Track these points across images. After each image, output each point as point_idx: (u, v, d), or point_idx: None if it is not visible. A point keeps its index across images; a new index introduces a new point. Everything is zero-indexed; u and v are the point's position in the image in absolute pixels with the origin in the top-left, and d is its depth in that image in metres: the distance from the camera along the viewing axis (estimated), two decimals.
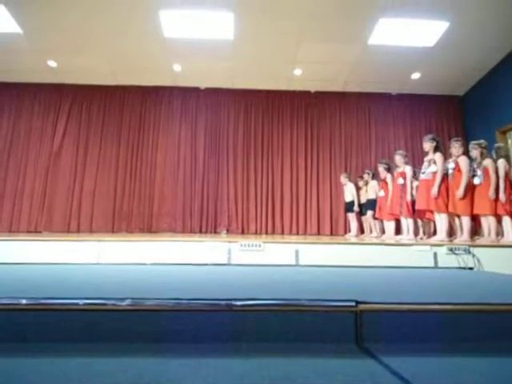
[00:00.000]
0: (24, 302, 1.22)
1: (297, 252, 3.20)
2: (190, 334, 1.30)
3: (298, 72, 7.04)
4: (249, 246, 3.13)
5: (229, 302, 1.34)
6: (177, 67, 6.92)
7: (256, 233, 6.95)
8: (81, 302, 1.20)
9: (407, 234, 5.02)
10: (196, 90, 7.69)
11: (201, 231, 7.11)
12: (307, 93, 7.77)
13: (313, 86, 7.63)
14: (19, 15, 5.45)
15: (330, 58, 6.54)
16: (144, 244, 3.28)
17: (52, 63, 6.81)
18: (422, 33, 5.67)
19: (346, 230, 7.15)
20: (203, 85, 7.64)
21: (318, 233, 7.08)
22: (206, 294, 1.43)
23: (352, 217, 6.73)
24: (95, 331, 1.24)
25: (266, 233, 7.06)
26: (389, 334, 1.34)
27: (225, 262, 3.09)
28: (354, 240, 4.23)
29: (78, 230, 6.97)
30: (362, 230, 6.81)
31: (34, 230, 6.90)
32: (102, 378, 0.97)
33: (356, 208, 6.61)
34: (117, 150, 7.44)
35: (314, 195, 7.34)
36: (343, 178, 6.96)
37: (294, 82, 7.40)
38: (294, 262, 3.18)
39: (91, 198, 7.17)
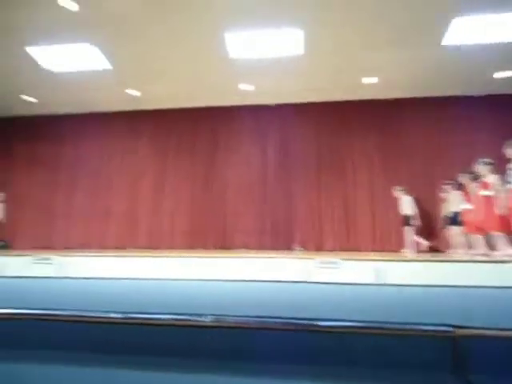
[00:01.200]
0: (118, 316, 1.29)
1: (377, 270, 3.01)
2: (270, 353, 1.27)
3: (370, 81, 6.82)
4: (326, 263, 3.03)
5: (311, 322, 1.28)
6: (246, 86, 7.13)
7: (332, 250, 6.74)
8: (165, 317, 1.24)
9: (502, 250, 4.49)
10: (266, 107, 7.82)
11: (274, 248, 7.09)
12: (380, 101, 7.46)
13: (386, 94, 7.32)
14: (109, 53, 6.13)
15: (403, 64, 6.24)
16: (220, 260, 3.35)
17: (135, 92, 7.49)
18: (504, 28, 5.16)
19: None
20: (273, 101, 7.76)
21: (399, 250, 6.63)
22: (286, 312, 1.39)
23: (408, 231, 6.34)
24: (179, 347, 1.26)
25: (343, 250, 6.80)
26: (494, 365, 1.17)
27: (301, 279, 3.02)
28: (439, 257, 3.88)
29: (159, 247, 7.40)
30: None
31: (121, 246, 7.49)
32: None
33: (415, 222, 6.25)
34: (191, 169, 7.83)
35: (392, 209, 6.93)
36: (397, 192, 6.63)
37: (366, 91, 7.17)
38: (374, 281, 2.99)
39: (170, 216, 7.60)
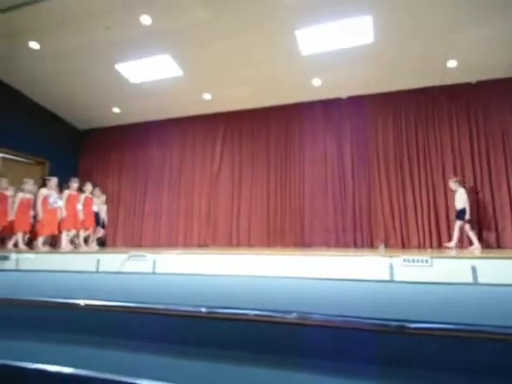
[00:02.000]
0: (203, 310, 1.35)
1: (474, 268, 2.73)
2: (355, 354, 1.22)
3: (452, 64, 6.22)
4: (413, 261, 2.83)
5: (400, 323, 1.20)
6: (316, 81, 7.01)
7: (419, 247, 6.29)
8: (251, 312, 1.26)
9: None
10: (338, 100, 7.60)
11: (355, 245, 6.86)
12: (466, 85, 6.74)
13: (472, 77, 6.61)
14: (180, 60, 6.49)
15: (491, 42, 5.58)
16: (298, 258, 3.33)
17: (207, 96, 7.81)
18: None
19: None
20: (345, 94, 7.51)
21: (498, 245, 5.96)
22: (371, 312, 1.32)
23: (458, 226, 5.82)
24: (264, 343, 1.28)
25: (431, 247, 6.32)
26: None
27: (386, 278, 2.86)
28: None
29: (238, 244, 7.64)
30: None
31: (203, 244, 7.88)
32: None
33: (467, 216, 5.72)
34: (267, 167, 7.92)
35: (487, 202, 6.25)
36: (452, 184, 6.07)
37: (448, 75, 6.55)
38: (470, 280, 2.72)
39: (247, 215, 7.78)
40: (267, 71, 6.71)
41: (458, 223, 5.90)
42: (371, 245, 6.77)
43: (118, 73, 6.86)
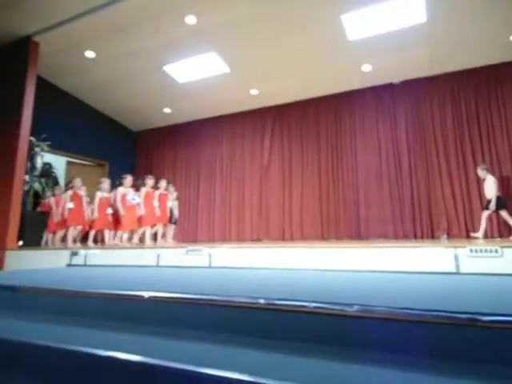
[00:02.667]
0: (262, 301, 1.35)
1: None
2: (419, 349, 1.16)
3: None
4: (481, 251, 2.63)
5: (471, 315, 1.12)
6: (366, 67, 6.74)
7: (486, 237, 5.83)
8: (310, 304, 1.25)
9: None
10: (390, 86, 7.27)
11: (415, 236, 6.53)
12: None
13: None
14: (226, 57, 6.56)
15: None
16: (355, 250, 3.25)
17: (254, 91, 7.82)
18: None
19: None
20: (397, 79, 7.15)
21: None
22: (437, 305, 1.25)
23: (486, 215, 5.44)
24: (323, 334, 1.26)
25: (500, 236, 5.84)
26: None
27: (452, 269, 2.70)
28: None
29: (291, 238, 7.60)
30: None
31: (256, 238, 7.95)
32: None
33: (492, 206, 5.32)
34: (317, 159, 7.79)
35: None
36: (480, 171, 5.63)
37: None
38: None
39: (299, 207, 7.71)
40: (314, 61, 6.56)
41: (486, 213, 5.51)
42: (432, 236, 6.42)
43: (166, 74, 7.09)
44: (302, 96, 7.97)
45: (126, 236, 6.15)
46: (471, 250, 2.66)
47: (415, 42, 5.87)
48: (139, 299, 1.57)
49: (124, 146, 9.76)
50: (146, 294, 1.56)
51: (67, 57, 6.57)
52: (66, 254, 4.58)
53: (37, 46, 6.03)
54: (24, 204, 5.70)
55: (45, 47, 6.07)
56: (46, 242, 6.34)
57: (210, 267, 3.67)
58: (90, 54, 6.49)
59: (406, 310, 1.14)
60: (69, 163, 8.46)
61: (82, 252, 4.52)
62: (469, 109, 6.61)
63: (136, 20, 5.58)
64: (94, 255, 4.49)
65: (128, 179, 6.36)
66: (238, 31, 5.86)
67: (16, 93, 5.80)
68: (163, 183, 6.81)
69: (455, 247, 2.76)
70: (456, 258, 2.70)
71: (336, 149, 7.67)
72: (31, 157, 5.99)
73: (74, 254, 4.53)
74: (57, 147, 7.03)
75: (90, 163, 8.86)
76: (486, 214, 5.54)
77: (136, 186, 6.50)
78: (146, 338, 1.39)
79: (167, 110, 8.88)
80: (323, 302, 1.24)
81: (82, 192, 6.36)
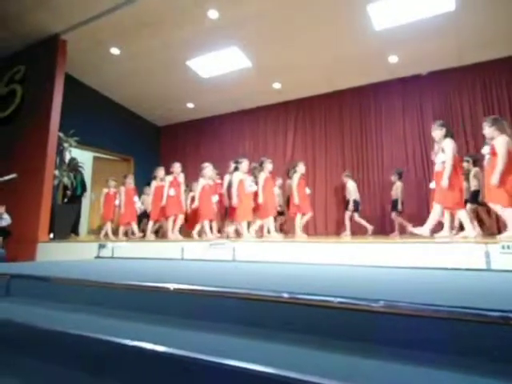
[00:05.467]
0: (285, 295, 1.35)
1: None
2: (447, 346, 1.13)
3: None
4: None
5: (504, 313, 1.08)
6: (393, 59, 6.56)
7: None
8: (335, 300, 1.24)
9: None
10: (417, 77, 7.05)
11: None
12: None
13: None
14: (248, 51, 6.55)
15: None
16: (379, 246, 3.19)
17: (277, 85, 7.77)
18: None
19: None
20: (425, 70, 6.93)
21: None
22: (466, 302, 1.21)
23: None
24: (347, 330, 1.24)
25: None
26: None
27: (482, 266, 2.60)
28: None
29: (315, 233, 7.53)
30: None
31: (280, 233, 7.89)
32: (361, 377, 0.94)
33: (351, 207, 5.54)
34: (341, 153, 7.67)
35: None
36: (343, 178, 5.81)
37: None
38: None
39: (323, 203, 7.63)
40: (339, 52, 6.44)
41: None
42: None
43: (189, 69, 7.14)
44: (326, 89, 7.86)
45: (252, 227, 5.33)
46: (503, 247, 2.56)
47: (443, 32, 5.66)
48: (165, 291, 1.60)
49: (149, 141, 9.92)
50: (172, 286, 1.59)
51: (93, 54, 6.72)
52: (94, 246, 4.72)
53: (65, 44, 6.19)
54: (54, 198, 5.89)
55: (72, 45, 6.22)
56: (126, 234, 6.30)
57: (233, 261, 3.70)
58: (114, 50, 6.61)
59: (433, 307, 1.12)
60: (95, 158, 8.69)
61: (110, 245, 4.65)
62: (501, 100, 6.33)
63: (159, 15, 5.63)
64: (121, 248, 4.60)
65: (245, 163, 5.53)
66: (260, 25, 5.82)
67: (46, 90, 5.99)
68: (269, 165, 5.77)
69: (486, 243, 2.67)
70: (487, 255, 2.60)
71: (361, 144, 7.52)
72: (60, 152, 6.18)
73: (102, 246, 4.66)
74: (84, 142, 7.22)
75: (115, 158, 9.07)
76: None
77: (251, 172, 5.76)
78: (171, 329, 1.41)
79: (190, 105, 8.96)
80: (348, 297, 1.22)
81: (181, 179, 5.96)
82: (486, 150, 3.84)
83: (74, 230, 6.69)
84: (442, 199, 3.88)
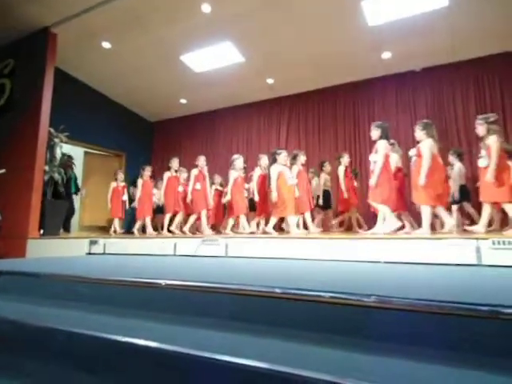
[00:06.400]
0: (278, 291, 1.35)
1: None
2: (437, 340, 1.14)
3: None
4: (504, 243, 2.56)
5: (493, 308, 1.09)
6: (386, 54, 6.57)
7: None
8: (326, 294, 1.24)
9: None
10: (411, 73, 7.06)
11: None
12: None
13: None
14: (241, 47, 6.50)
15: None
16: (370, 241, 3.21)
17: (270, 80, 7.75)
18: None
19: None
20: (419, 66, 6.95)
21: None
22: (457, 297, 1.22)
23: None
24: (339, 324, 1.25)
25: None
26: None
27: (473, 262, 2.64)
28: None
29: (306, 229, 7.51)
30: None
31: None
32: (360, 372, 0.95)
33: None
34: (335, 148, 7.65)
35: None
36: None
37: None
38: None
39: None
40: (332, 48, 6.41)
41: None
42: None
43: (183, 64, 7.08)
44: (320, 85, 7.85)
45: (292, 221, 4.85)
46: (494, 243, 2.59)
47: (436, 28, 5.67)
48: (157, 287, 1.60)
49: (141, 137, 9.84)
50: (163, 282, 1.58)
51: (84, 48, 6.62)
52: (85, 242, 4.68)
53: (55, 37, 6.09)
54: (44, 194, 5.82)
55: (63, 38, 6.12)
56: (143, 229, 5.94)
57: (226, 257, 3.69)
58: (106, 44, 6.52)
59: (424, 302, 1.13)
60: (86, 154, 8.60)
61: (101, 241, 4.61)
62: (493, 96, 6.38)
63: (152, 9, 5.56)
64: (113, 244, 4.57)
65: (283, 154, 5.05)
66: (254, 20, 5.77)
67: (35, 84, 5.90)
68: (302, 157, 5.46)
69: (477, 239, 2.70)
70: (478, 250, 2.63)
71: (354, 139, 7.53)
72: (50, 147, 6.09)
73: (94, 242, 4.63)
74: (75, 138, 7.12)
75: (107, 154, 8.98)
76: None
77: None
78: (163, 324, 1.41)
79: (183, 101, 8.90)
80: (339, 292, 1.23)
81: (206, 172, 5.66)
82: (412, 151, 4.09)
83: (65, 226, 6.59)
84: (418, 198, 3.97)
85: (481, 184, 3.84)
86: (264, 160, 5.81)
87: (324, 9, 5.42)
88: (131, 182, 8.26)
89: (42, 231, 5.69)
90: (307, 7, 5.42)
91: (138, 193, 5.91)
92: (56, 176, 5.99)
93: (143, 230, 5.99)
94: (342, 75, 7.42)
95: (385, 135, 4.30)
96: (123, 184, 6.55)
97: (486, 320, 1.10)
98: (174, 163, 5.93)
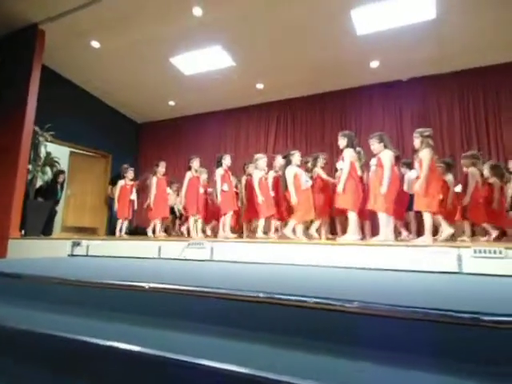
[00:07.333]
0: (262, 295, 1.35)
1: None
2: (419, 347, 1.15)
3: None
4: (485, 252, 2.61)
5: (474, 315, 1.11)
6: (374, 64, 6.68)
7: None
8: (310, 300, 1.24)
9: None
10: (398, 82, 7.19)
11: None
12: None
13: None
14: (232, 51, 6.53)
15: None
16: (354, 248, 3.24)
17: (259, 85, 7.79)
18: None
19: None
20: (405, 76, 7.09)
21: None
22: (439, 304, 1.24)
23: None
24: (323, 330, 1.25)
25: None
26: None
27: (455, 270, 2.68)
28: None
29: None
30: None
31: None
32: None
33: None
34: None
35: None
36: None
37: None
38: None
39: None
40: (321, 55, 6.49)
41: None
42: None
43: (172, 66, 7.05)
44: (308, 91, 7.92)
45: (297, 226, 4.64)
46: (475, 251, 2.65)
47: (424, 39, 5.80)
48: (140, 290, 1.57)
49: (128, 138, 9.73)
50: (147, 285, 1.56)
51: (73, 46, 6.53)
52: (67, 244, 4.59)
53: (43, 35, 6.00)
54: (27, 193, 5.70)
55: (51, 36, 6.04)
56: (154, 231, 5.73)
57: (211, 261, 3.67)
58: (95, 43, 6.46)
59: (406, 308, 1.14)
60: (72, 154, 8.47)
61: (85, 242, 4.53)
62: (477, 108, 6.55)
63: (142, 9, 5.53)
64: (96, 246, 4.50)
65: (297, 155, 4.90)
66: (244, 25, 5.80)
67: (21, 81, 5.79)
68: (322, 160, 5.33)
69: (458, 247, 2.75)
70: (459, 258, 2.68)
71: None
72: (35, 146, 5.98)
73: (76, 244, 4.55)
74: (60, 137, 7.01)
75: (93, 154, 8.86)
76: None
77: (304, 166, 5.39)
78: (146, 328, 1.39)
79: (172, 103, 8.85)
80: (324, 298, 1.23)
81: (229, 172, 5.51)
82: (373, 161, 4.27)
83: (46, 229, 6.27)
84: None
85: (372, 194, 4.09)
86: (279, 160, 5.64)
87: (314, 16, 5.48)
88: (111, 180, 8.14)
89: (23, 232, 5.57)
90: (298, 14, 5.47)
91: (153, 191, 5.64)
92: (40, 175, 5.88)
93: (153, 231, 5.80)
94: (330, 82, 7.49)
95: (351, 144, 4.49)
96: (132, 182, 6.30)
97: (466, 327, 1.12)
98: (195, 163, 5.74)
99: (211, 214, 6.20)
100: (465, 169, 4.83)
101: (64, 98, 7.51)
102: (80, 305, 1.69)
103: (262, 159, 5.25)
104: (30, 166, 5.80)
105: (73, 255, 4.48)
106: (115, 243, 4.71)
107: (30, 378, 1.38)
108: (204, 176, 6.12)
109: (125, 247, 4.47)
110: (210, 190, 6.02)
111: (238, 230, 6.19)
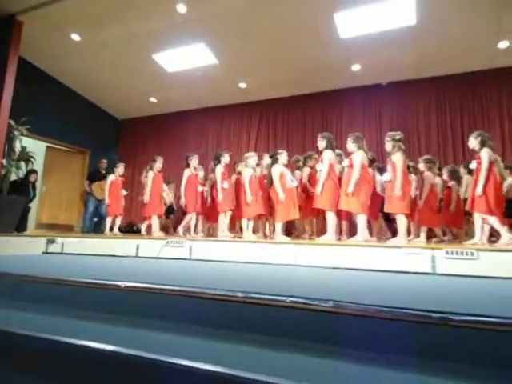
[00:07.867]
0: (239, 295, 1.35)
1: None
2: (390, 345, 1.18)
3: (503, 45, 5.84)
4: (457, 253, 2.70)
5: (443, 315, 1.15)
6: (356, 67, 6.79)
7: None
8: (287, 299, 1.25)
9: None
10: (378, 86, 7.33)
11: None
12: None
13: None
14: (215, 49, 6.50)
15: None
16: (332, 248, 3.28)
17: (242, 85, 7.78)
18: None
19: None
20: (385, 80, 7.23)
21: None
22: (411, 303, 1.27)
23: None
24: (299, 329, 1.27)
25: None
26: None
27: (428, 270, 2.75)
28: None
29: (272, 234, 7.58)
30: None
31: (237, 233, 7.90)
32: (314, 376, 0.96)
33: None
34: (302, 154, 7.81)
35: None
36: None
37: (500, 57, 6.13)
38: None
39: None
40: (304, 57, 6.55)
41: None
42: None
43: (155, 62, 6.97)
44: (291, 92, 7.97)
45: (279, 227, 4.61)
46: (447, 252, 2.73)
47: (404, 45, 5.94)
48: (115, 288, 1.55)
49: (107, 134, 9.55)
50: (123, 284, 1.54)
51: (52, 39, 6.36)
52: (42, 241, 4.47)
53: (20, 26, 5.82)
54: (0, 189, 5.51)
55: (29, 27, 5.86)
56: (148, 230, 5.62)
57: (189, 260, 3.65)
58: (75, 37, 6.30)
59: (378, 307, 1.16)
60: (48, 148, 8.25)
61: (59, 240, 4.43)
62: (453, 114, 6.75)
63: (126, 4, 5.44)
64: (72, 243, 4.40)
65: (284, 154, 4.93)
66: (228, 23, 5.79)
67: None
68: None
69: (432, 249, 2.83)
70: (433, 260, 2.76)
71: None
72: (9, 140, 5.79)
73: (51, 241, 4.43)
74: (37, 132, 6.82)
75: (70, 149, 8.65)
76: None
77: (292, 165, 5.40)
78: (121, 327, 1.37)
79: (153, 100, 8.74)
80: (300, 297, 1.25)
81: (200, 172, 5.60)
82: (345, 162, 4.36)
83: (20, 225, 6.07)
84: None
85: (386, 196, 4.14)
86: (266, 160, 5.59)
87: (299, 17, 5.52)
88: (87, 176, 7.95)
89: None
90: (282, 15, 5.50)
91: (148, 187, 5.46)
92: (14, 170, 5.70)
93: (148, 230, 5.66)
94: (313, 83, 7.56)
95: (330, 145, 4.54)
96: (122, 178, 6.16)
97: (436, 326, 1.15)
98: (194, 160, 5.65)
99: (209, 212, 6.12)
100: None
101: (42, 92, 7.31)
102: (53, 304, 1.65)
103: (252, 157, 5.18)
104: (4, 161, 5.61)
105: (47, 253, 4.37)
106: (92, 241, 4.62)
107: (2, 380, 1.34)
108: (201, 174, 6.02)
109: (102, 245, 4.38)
110: (205, 188, 5.97)
111: (234, 229, 6.17)
